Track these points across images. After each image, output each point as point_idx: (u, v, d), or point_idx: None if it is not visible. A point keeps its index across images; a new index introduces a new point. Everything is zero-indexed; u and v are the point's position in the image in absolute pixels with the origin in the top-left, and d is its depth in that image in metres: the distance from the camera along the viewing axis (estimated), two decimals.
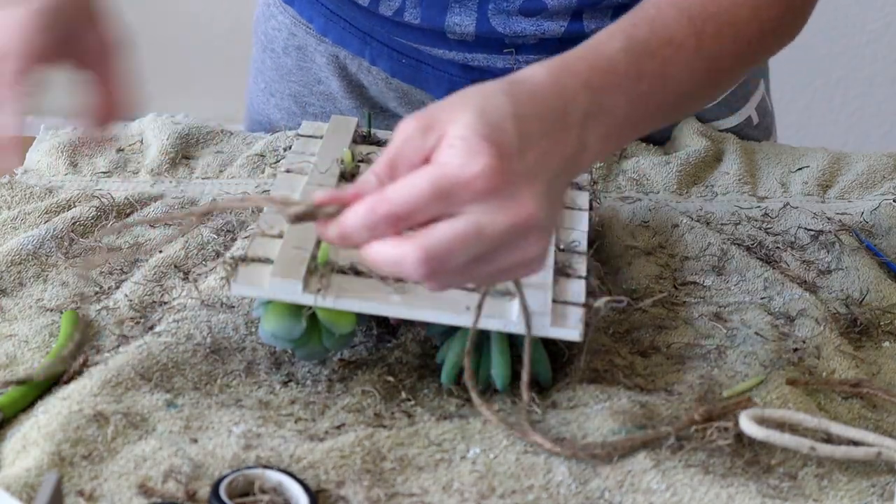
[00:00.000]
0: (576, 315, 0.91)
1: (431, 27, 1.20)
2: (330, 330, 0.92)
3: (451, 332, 0.93)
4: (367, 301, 0.90)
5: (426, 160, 0.80)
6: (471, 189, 0.78)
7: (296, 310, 0.91)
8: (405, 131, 0.81)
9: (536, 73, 0.85)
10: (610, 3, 1.17)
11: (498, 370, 0.92)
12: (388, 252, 0.79)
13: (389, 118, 1.31)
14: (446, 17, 1.19)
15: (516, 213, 0.79)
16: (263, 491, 0.83)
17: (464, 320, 0.90)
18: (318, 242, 0.93)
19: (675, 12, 0.92)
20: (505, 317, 0.90)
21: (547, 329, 0.90)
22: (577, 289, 0.93)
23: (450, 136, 0.79)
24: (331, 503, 0.84)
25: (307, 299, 0.90)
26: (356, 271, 0.91)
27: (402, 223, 0.78)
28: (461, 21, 1.19)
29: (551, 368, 0.95)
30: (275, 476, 0.83)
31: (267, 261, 0.92)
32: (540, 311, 0.89)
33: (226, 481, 0.83)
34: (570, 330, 0.90)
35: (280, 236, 0.94)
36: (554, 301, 0.91)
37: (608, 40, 0.89)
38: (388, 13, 1.20)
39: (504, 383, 0.92)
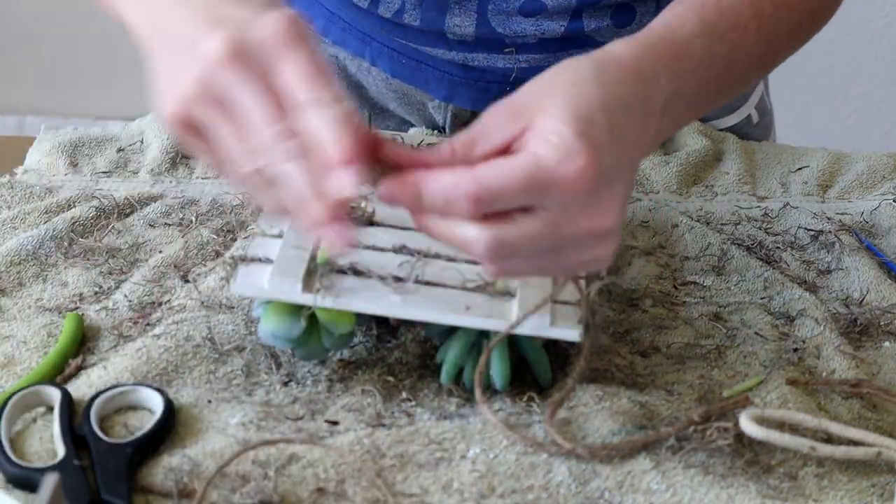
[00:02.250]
0: (574, 316, 0.91)
1: (431, 28, 1.20)
2: (329, 330, 0.92)
3: (450, 332, 0.93)
4: (367, 301, 0.90)
5: (507, 146, 0.78)
6: (563, 189, 0.77)
7: (295, 310, 0.91)
8: (493, 114, 0.79)
9: (622, 53, 0.83)
10: (609, 2, 1.17)
11: (497, 370, 0.92)
12: (459, 232, 0.78)
13: (389, 118, 1.31)
14: (446, 19, 1.19)
15: (597, 220, 0.79)
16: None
17: (464, 320, 0.90)
18: (316, 242, 0.93)
19: None
20: (505, 317, 0.90)
21: (546, 329, 0.90)
22: (570, 291, 0.93)
23: (543, 129, 0.77)
24: (331, 502, 0.84)
25: (306, 299, 0.90)
26: (356, 271, 0.91)
27: (482, 206, 0.77)
28: (461, 22, 1.19)
29: (551, 369, 0.94)
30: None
31: (267, 261, 0.92)
32: (540, 311, 0.89)
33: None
34: (570, 330, 0.90)
35: (280, 236, 0.94)
36: (554, 301, 0.91)
37: (682, 23, 0.88)
38: (388, 14, 1.20)
39: (504, 383, 0.92)
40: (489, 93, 1.23)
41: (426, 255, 0.94)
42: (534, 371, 0.94)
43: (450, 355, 0.93)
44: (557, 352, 0.96)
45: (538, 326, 0.89)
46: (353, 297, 0.90)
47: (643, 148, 0.83)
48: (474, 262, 0.93)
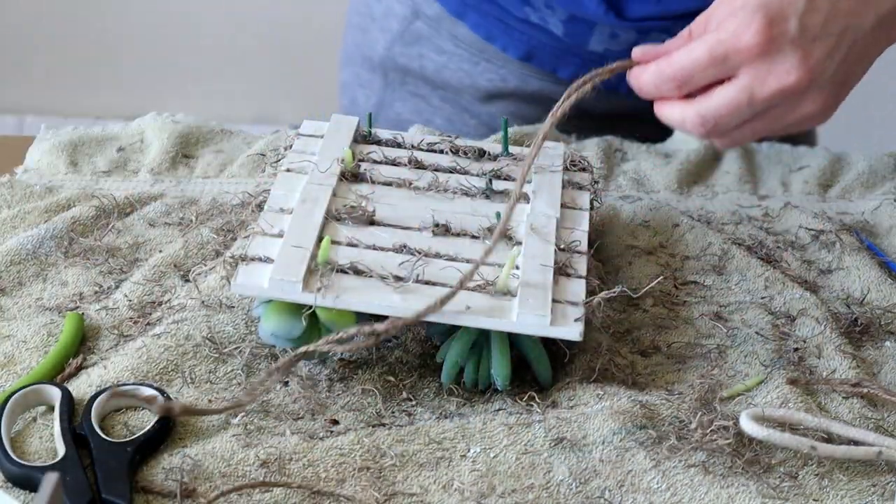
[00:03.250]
0: (575, 315, 0.91)
1: None
2: (330, 329, 0.91)
3: (451, 331, 0.93)
4: (367, 300, 0.90)
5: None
6: (741, 54, 0.85)
7: (295, 309, 0.91)
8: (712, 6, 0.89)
9: None
10: None
11: (498, 370, 0.92)
12: (672, 112, 0.88)
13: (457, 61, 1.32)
14: None
15: (785, 79, 0.86)
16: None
17: (465, 320, 0.90)
18: (318, 241, 0.93)
19: None
20: (505, 317, 0.90)
21: (546, 328, 0.89)
22: (576, 288, 0.93)
23: (735, 4, 0.86)
24: (331, 502, 0.84)
25: (307, 298, 0.90)
26: (356, 270, 0.91)
27: (684, 85, 0.87)
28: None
29: (551, 368, 0.94)
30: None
31: (267, 260, 0.92)
32: (540, 310, 0.89)
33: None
34: (570, 329, 0.90)
35: (280, 235, 0.94)
36: (554, 301, 0.91)
37: None
38: None
39: (504, 383, 0.92)
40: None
41: (427, 255, 0.94)
42: (534, 370, 0.94)
43: (450, 355, 0.93)
44: (559, 351, 0.95)
45: (538, 326, 0.89)
46: (353, 296, 0.90)
47: (857, 24, 0.89)
48: (474, 262, 0.93)
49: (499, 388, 0.93)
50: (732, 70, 0.86)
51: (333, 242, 0.94)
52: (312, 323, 0.92)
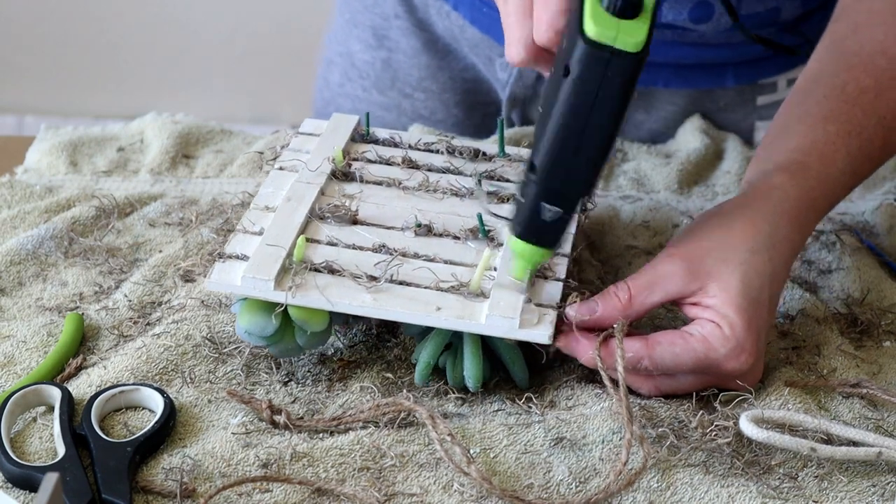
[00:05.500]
0: (548, 318, 0.90)
1: None
2: (302, 328, 0.91)
3: (426, 332, 0.93)
4: (338, 299, 0.89)
5: (681, 299, 0.91)
6: (726, 373, 0.90)
7: (269, 307, 0.91)
8: (668, 265, 0.91)
9: (789, 202, 0.95)
10: None
11: (469, 371, 0.92)
12: (630, 380, 0.91)
13: (458, 60, 1.32)
14: None
15: (749, 381, 0.92)
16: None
17: (434, 320, 0.90)
18: (294, 240, 0.93)
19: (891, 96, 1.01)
20: (476, 318, 0.89)
21: (515, 331, 0.89)
22: (552, 291, 0.93)
23: (717, 311, 0.89)
24: (331, 502, 0.84)
25: (278, 296, 0.90)
26: (331, 269, 0.91)
27: (656, 372, 0.91)
28: None
29: (528, 370, 0.94)
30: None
31: (243, 257, 0.92)
32: (510, 313, 0.89)
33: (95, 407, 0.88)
34: (540, 332, 0.89)
35: (261, 233, 0.94)
36: (531, 303, 0.91)
37: (834, 157, 0.98)
38: None
39: (476, 384, 0.92)
40: None
41: (405, 255, 0.93)
42: (510, 372, 0.94)
43: (423, 356, 0.93)
44: (536, 353, 0.95)
45: (506, 328, 0.89)
46: (322, 295, 0.89)
47: (783, 285, 0.96)
48: (451, 263, 0.93)
49: (471, 388, 0.93)
50: (705, 373, 0.91)
51: (313, 241, 0.94)
52: (286, 321, 0.91)
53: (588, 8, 0.82)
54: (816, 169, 0.97)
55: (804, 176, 0.96)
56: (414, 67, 1.34)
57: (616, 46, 0.82)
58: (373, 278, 0.91)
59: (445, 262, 0.94)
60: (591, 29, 0.81)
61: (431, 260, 0.93)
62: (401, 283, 0.91)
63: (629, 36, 0.82)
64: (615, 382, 0.87)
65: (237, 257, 0.92)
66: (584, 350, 0.90)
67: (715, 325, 0.89)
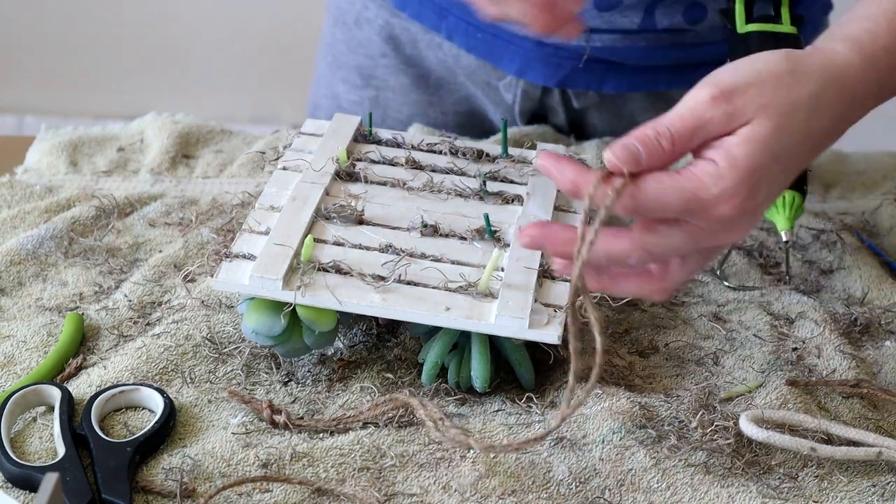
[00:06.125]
0: (557, 318, 0.90)
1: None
2: (310, 328, 0.91)
3: (433, 332, 0.93)
4: (346, 299, 0.89)
5: (721, 136, 0.82)
6: (711, 217, 0.81)
7: (277, 307, 0.91)
8: (711, 110, 0.82)
9: (849, 69, 0.86)
10: None
11: (478, 371, 0.92)
12: (612, 247, 0.82)
13: (454, 93, 1.31)
14: None
15: (733, 237, 0.84)
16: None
17: (443, 320, 0.90)
18: (302, 240, 0.93)
19: None
20: (484, 318, 0.89)
21: (524, 331, 0.89)
22: (561, 291, 0.93)
23: (728, 149, 0.81)
24: (331, 502, 0.84)
25: (286, 296, 0.90)
26: (339, 269, 0.91)
27: (642, 212, 0.81)
28: None
29: (535, 371, 0.94)
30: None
31: (251, 257, 0.92)
32: (519, 313, 0.89)
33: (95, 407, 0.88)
34: (548, 333, 0.89)
35: (267, 233, 0.94)
36: (538, 304, 0.91)
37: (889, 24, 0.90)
38: None
39: (483, 385, 0.92)
40: (562, 69, 1.24)
41: (412, 255, 0.94)
42: (516, 373, 0.94)
43: (430, 356, 0.93)
44: (543, 354, 0.95)
45: (515, 328, 0.89)
46: (331, 295, 0.89)
47: (809, 160, 0.87)
48: (458, 263, 0.93)
49: (478, 389, 0.93)
50: (692, 218, 0.82)
51: (320, 241, 0.94)
52: (293, 321, 0.91)
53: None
54: (885, 37, 0.89)
55: (872, 45, 0.88)
56: (404, 105, 1.34)
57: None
58: (381, 278, 0.91)
59: (453, 262, 0.94)
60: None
61: (438, 260, 0.94)
62: (409, 283, 0.91)
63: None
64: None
65: (244, 257, 0.92)
66: (565, 173, 0.82)
67: (711, 163, 0.81)
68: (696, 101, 0.82)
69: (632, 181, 0.80)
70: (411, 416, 0.90)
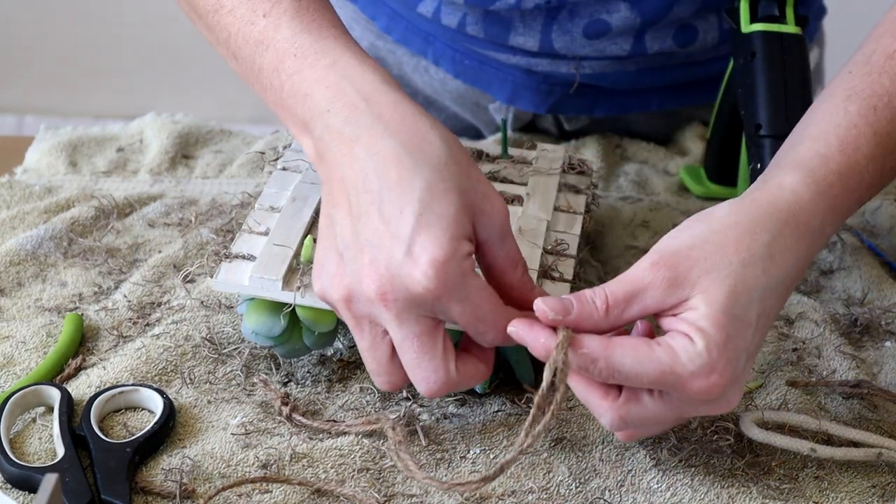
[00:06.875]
0: None
1: (494, 41, 1.19)
2: (310, 328, 0.91)
3: None
4: None
5: (662, 311, 0.81)
6: (690, 395, 0.79)
7: (276, 308, 0.91)
8: (650, 275, 0.80)
9: (800, 204, 0.83)
10: (672, 19, 1.16)
11: None
12: (591, 401, 0.82)
13: (440, 114, 1.30)
14: (510, 36, 1.18)
15: (720, 409, 0.82)
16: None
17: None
18: (302, 240, 0.93)
19: None
20: None
21: None
22: (560, 292, 0.93)
23: (694, 324, 0.79)
24: (331, 502, 0.84)
25: (286, 297, 0.89)
26: None
27: (614, 381, 0.80)
28: (524, 41, 1.18)
29: (534, 371, 0.94)
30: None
31: (250, 257, 0.92)
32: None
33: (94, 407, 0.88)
34: None
35: (266, 233, 0.94)
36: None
37: (857, 145, 0.87)
38: (452, 25, 1.19)
39: (483, 385, 0.92)
40: (552, 96, 1.23)
41: None
42: (515, 372, 0.94)
43: None
44: None
45: None
46: None
47: (781, 307, 0.85)
48: None
49: (478, 390, 0.92)
50: (671, 392, 0.80)
51: None
52: (293, 322, 0.91)
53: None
54: (836, 160, 0.86)
55: (823, 170, 0.85)
56: None
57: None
58: None
59: None
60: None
61: None
62: None
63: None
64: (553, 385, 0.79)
65: (243, 257, 0.92)
66: (536, 338, 0.81)
67: (686, 338, 0.79)
68: (638, 266, 0.81)
69: (604, 345, 0.79)
70: (410, 419, 0.90)
